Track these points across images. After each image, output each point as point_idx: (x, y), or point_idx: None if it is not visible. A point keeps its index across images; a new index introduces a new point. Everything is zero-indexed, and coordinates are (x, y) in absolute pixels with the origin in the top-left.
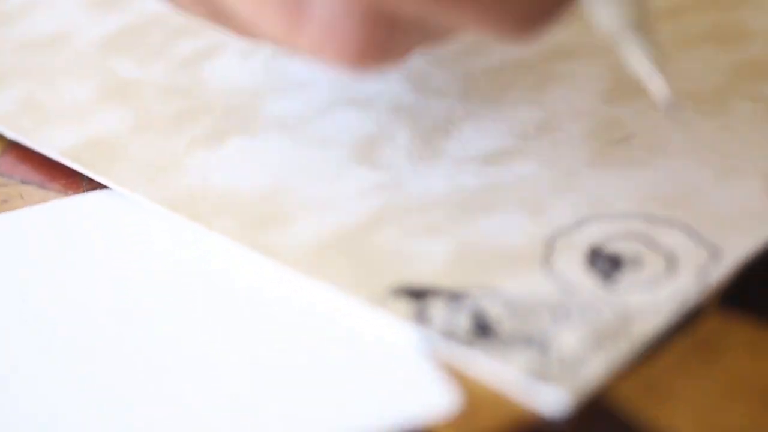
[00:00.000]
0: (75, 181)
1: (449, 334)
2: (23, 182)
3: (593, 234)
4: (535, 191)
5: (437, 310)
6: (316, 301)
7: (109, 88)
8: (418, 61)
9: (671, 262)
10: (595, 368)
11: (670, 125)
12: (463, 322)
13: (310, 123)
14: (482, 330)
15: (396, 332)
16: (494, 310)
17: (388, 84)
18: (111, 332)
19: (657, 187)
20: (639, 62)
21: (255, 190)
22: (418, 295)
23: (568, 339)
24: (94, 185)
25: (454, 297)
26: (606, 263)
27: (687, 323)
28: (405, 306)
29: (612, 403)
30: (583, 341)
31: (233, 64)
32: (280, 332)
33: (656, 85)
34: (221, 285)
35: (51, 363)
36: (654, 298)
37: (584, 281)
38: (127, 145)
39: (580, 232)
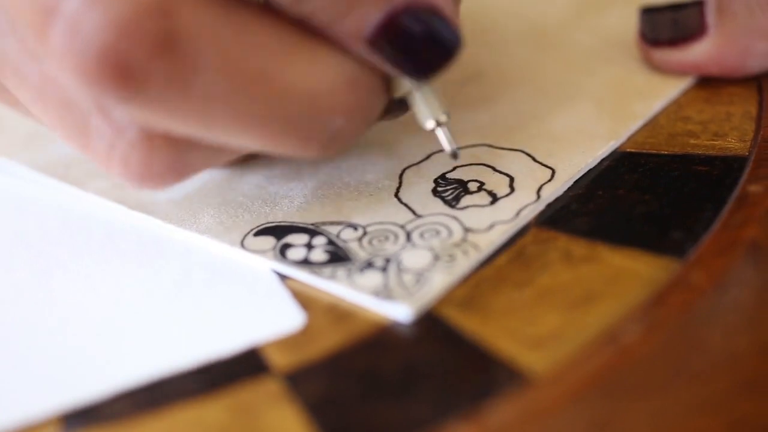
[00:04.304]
0: None
1: (305, 265)
2: None
3: (440, 164)
4: (390, 133)
5: (296, 244)
6: (188, 245)
7: None
8: None
9: (509, 182)
10: (435, 284)
11: (515, 62)
12: (318, 252)
13: None
14: (334, 258)
15: (257, 266)
16: (347, 240)
17: None
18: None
19: (500, 119)
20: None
21: None
22: (277, 232)
23: (413, 259)
24: None
25: (311, 231)
26: (450, 188)
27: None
28: (266, 243)
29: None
30: (425, 260)
31: None
32: (158, 271)
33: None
34: (100, 235)
35: None
36: (492, 217)
37: (431, 205)
38: (1, 120)
39: (428, 164)
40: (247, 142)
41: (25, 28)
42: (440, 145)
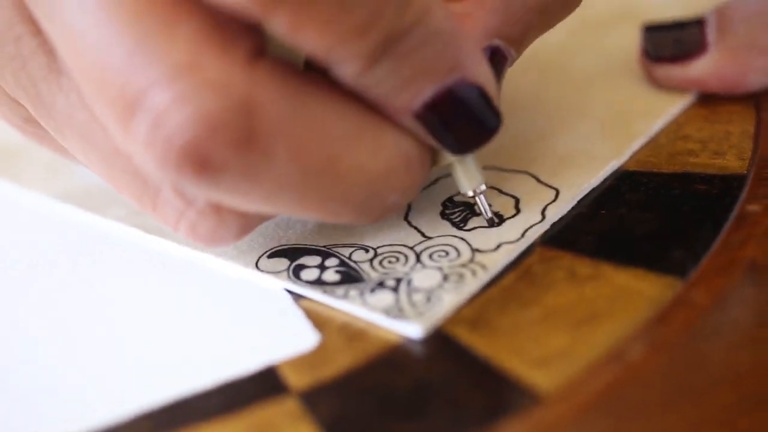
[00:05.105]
0: None
1: (318, 285)
2: None
3: (447, 188)
4: None
5: (309, 265)
6: (203, 267)
7: None
8: None
9: (515, 204)
10: (445, 303)
11: (518, 86)
12: (330, 273)
13: None
14: (346, 279)
15: (271, 286)
16: (359, 261)
17: None
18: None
19: (504, 142)
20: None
21: None
22: (290, 254)
23: (423, 279)
24: None
25: (323, 253)
26: (458, 211)
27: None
28: (280, 264)
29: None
30: (435, 280)
31: None
32: (175, 292)
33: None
34: (116, 258)
35: None
36: (499, 237)
37: (439, 227)
38: (24, 151)
39: (436, 188)
40: (305, 215)
41: (105, 112)
42: (446, 170)
